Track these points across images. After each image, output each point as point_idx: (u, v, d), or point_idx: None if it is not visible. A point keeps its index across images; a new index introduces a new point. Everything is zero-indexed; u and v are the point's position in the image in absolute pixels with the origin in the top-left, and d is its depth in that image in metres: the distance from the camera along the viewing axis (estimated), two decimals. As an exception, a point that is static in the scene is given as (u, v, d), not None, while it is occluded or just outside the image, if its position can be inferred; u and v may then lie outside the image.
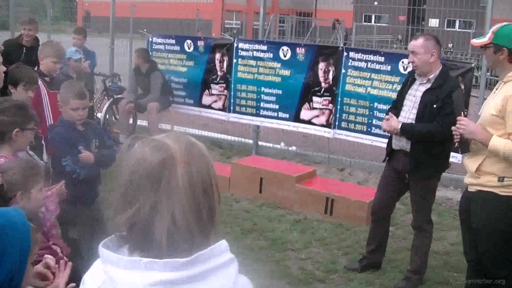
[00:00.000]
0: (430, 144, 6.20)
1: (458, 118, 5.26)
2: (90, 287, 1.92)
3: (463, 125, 5.17)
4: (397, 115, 6.43)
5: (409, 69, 7.28)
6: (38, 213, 4.09)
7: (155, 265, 1.75)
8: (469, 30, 25.75)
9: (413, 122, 6.28)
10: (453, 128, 5.29)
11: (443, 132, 5.88)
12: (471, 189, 5.37)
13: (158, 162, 1.80)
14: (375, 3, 37.08)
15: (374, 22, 41.54)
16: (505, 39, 5.05)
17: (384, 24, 39.10)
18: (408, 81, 6.56)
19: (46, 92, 7.06)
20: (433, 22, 35.61)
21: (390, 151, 6.65)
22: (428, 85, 6.25)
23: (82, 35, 11.33)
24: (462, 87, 8.91)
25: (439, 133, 6.01)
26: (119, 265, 1.79)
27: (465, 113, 7.26)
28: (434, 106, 6.12)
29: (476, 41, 5.32)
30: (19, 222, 2.76)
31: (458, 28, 33.43)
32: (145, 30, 13.62)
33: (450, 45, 26.36)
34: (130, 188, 1.83)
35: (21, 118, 4.71)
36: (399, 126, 6.26)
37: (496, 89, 5.28)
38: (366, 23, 41.37)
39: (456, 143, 5.38)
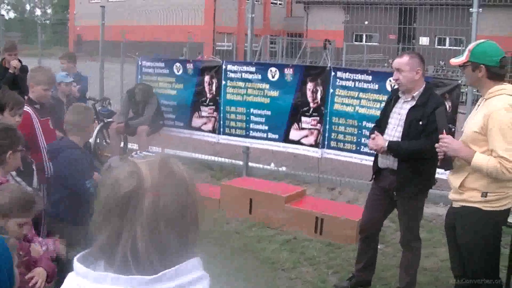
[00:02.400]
0: (416, 161, 6.22)
1: (441, 136, 5.30)
2: None
3: (446, 142, 5.21)
4: (382, 133, 6.44)
5: (395, 87, 7.32)
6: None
7: (120, 281, 1.79)
8: (459, 48, 25.87)
9: (399, 140, 6.30)
10: (436, 145, 5.33)
11: (430, 149, 5.89)
12: (456, 205, 5.41)
13: (128, 191, 1.84)
14: (366, 22, 37.20)
15: (365, 41, 41.73)
16: (481, 57, 5.10)
17: (375, 43, 39.26)
18: (392, 99, 6.59)
19: (37, 119, 7.01)
20: (424, 40, 35.74)
21: (377, 170, 6.68)
22: (413, 103, 6.27)
23: (72, 61, 11.35)
24: (449, 104, 8.99)
25: (426, 150, 6.00)
26: (88, 278, 1.85)
27: (452, 130, 7.33)
28: (420, 123, 6.14)
29: (454, 61, 5.36)
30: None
31: (449, 46, 33.60)
32: (137, 54, 13.64)
33: (441, 63, 26.45)
34: (103, 210, 1.88)
35: (12, 140, 4.75)
36: (386, 144, 6.30)
37: (478, 106, 5.33)
38: (357, 43, 41.55)
39: (440, 160, 5.42)
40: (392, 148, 6.28)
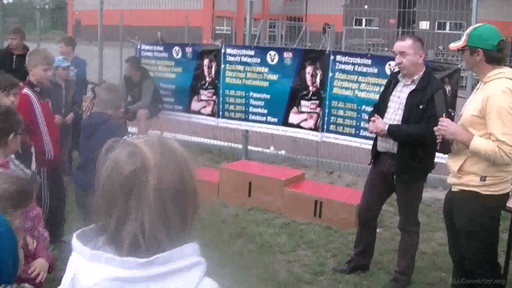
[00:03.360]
0: (416, 146, 6.21)
1: (440, 119, 5.29)
2: (67, 273, 1.97)
3: (444, 126, 5.20)
4: (381, 117, 6.43)
5: (395, 70, 7.29)
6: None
7: (114, 262, 1.80)
8: (459, 32, 25.80)
9: (399, 123, 6.31)
10: (434, 129, 5.32)
11: (429, 133, 5.88)
12: (454, 189, 5.40)
13: (131, 171, 1.84)
14: (365, 6, 37.09)
15: (365, 26, 41.63)
16: (479, 40, 5.09)
17: (375, 28, 39.17)
18: (391, 83, 6.57)
19: (38, 103, 7.01)
20: (424, 25, 35.64)
21: (376, 154, 6.68)
22: (413, 87, 6.26)
23: (70, 44, 11.34)
24: (449, 88, 8.97)
25: (425, 134, 5.97)
26: (83, 256, 1.86)
27: (452, 114, 7.32)
28: (420, 107, 6.13)
29: (452, 45, 5.34)
30: (2, 223, 2.89)
31: (449, 30, 33.52)
32: (136, 37, 13.61)
33: (441, 47, 26.39)
34: (105, 191, 1.88)
35: (13, 123, 4.75)
36: (386, 128, 6.29)
37: (477, 89, 5.32)
38: (356, 27, 41.43)
39: (438, 144, 5.41)
40: (392, 132, 6.26)
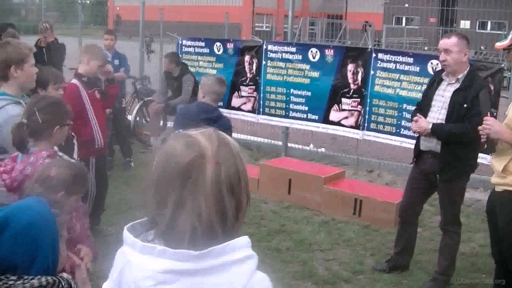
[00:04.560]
0: (459, 145, 6.16)
1: (485, 118, 5.25)
2: (117, 264, 2.00)
3: (489, 125, 5.16)
4: (424, 116, 6.38)
5: (438, 69, 7.23)
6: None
7: (167, 254, 1.81)
8: (501, 32, 25.50)
9: (443, 122, 6.26)
10: (479, 128, 5.27)
11: (472, 132, 5.85)
12: (498, 189, 5.36)
13: (189, 160, 1.85)
14: (406, 5, 36.91)
15: (405, 24, 41.36)
16: None
17: (415, 26, 38.89)
18: (434, 82, 6.52)
19: (85, 92, 7.20)
20: (465, 24, 35.29)
21: (418, 153, 6.64)
22: (457, 85, 6.20)
23: (113, 36, 11.46)
24: (492, 87, 8.87)
25: (468, 133, 5.95)
26: (134, 248, 1.88)
27: (495, 114, 7.24)
28: (464, 106, 6.07)
29: (498, 44, 5.31)
30: (45, 213, 2.90)
31: (490, 30, 33.16)
32: (176, 33, 13.65)
33: (482, 47, 26.10)
34: (160, 182, 1.89)
35: (60, 114, 4.79)
36: (429, 127, 6.25)
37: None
38: (396, 26, 41.19)
39: (482, 143, 5.36)
40: (436, 131, 6.22)
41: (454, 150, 6.19)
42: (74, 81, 7.25)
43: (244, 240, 1.87)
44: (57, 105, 4.83)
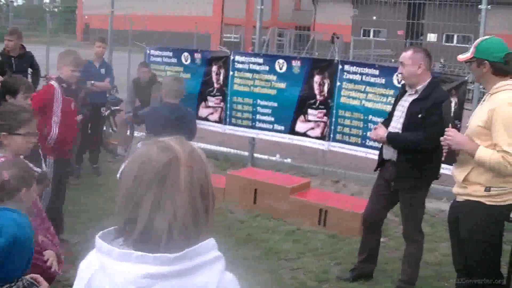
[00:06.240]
0: (415, 154, 6.29)
1: (446, 129, 5.35)
2: (84, 273, 2.05)
3: (451, 135, 5.26)
4: (387, 125, 6.55)
5: (403, 81, 7.39)
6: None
7: (146, 259, 1.87)
8: (467, 45, 25.80)
9: (400, 131, 6.41)
10: (441, 139, 5.37)
11: (426, 142, 6.06)
12: (459, 198, 5.45)
13: (166, 161, 1.94)
14: (374, 17, 37.15)
15: (373, 36, 41.68)
16: (485, 53, 5.16)
17: (382, 39, 39.21)
18: (400, 93, 6.68)
19: (60, 94, 7.27)
20: (432, 37, 35.68)
21: (381, 161, 6.75)
22: (415, 96, 6.36)
23: (105, 44, 11.53)
24: (456, 100, 9.01)
25: (422, 143, 6.15)
26: (111, 256, 1.93)
27: (458, 125, 7.37)
28: (419, 116, 6.22)
29: (461, 57, 5.43)
30: (28, 227, 2.99)
31: (456, 43, 33.57)
32: (144, 43, 13.68)
33: (442, 61, 26.40)
34: (136, 184, 1.95)
35: (8, 122, 4.81)
36: (385, 135, 6.39)
37: (483, 101, 5.38)
38: (364, 37, 41.48)
39: (444, 154, 5.47)
40: (391, 139, 6.42)
41: (410, 159, 6.34)
42: (53, 82, 7.42)
43: (212, 242, 1.96)
44: (7, 114, 4.86)
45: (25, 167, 4.17)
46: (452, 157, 5.44)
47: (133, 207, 1.94)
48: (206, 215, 1.99)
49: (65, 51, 8.08)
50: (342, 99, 10.48)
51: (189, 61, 12.27)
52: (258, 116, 11.52)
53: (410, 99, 6.40)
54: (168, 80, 8.69)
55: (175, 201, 1.91)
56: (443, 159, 5.67)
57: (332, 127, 10.65)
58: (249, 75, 11.55)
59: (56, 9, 77.19)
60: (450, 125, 5.41)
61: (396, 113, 6.57)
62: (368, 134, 7.18)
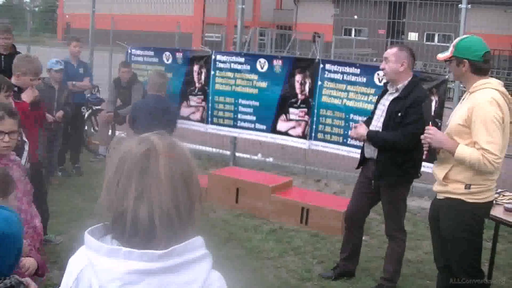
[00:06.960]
0: (395, 152, 6.34)
1: (427, 127, 5.38)
2: (73, 269, 2.06)
3: (431, 134, 5.29)
4: (369, 124, 6.59)
5: (384, 80, 7.43)
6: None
7: (133, 255, 1.89)
8: (447, 44, 25.83)
9: (380, 130, 6.45)
10: (421, 137, 5.40)
11: (404, 141, 6.12)
12: (440, 196, 5.48)
13: (143, 151, 1.96)
14: (355, 16, 37.22)
15: (354, 36, 41.74)
16: (465, 52, 5.20)
17: (364, 38, 39.29)
18: (382, 92, 6.73)
19: (12, 102, 7.09)
20: (413, 36, 35.79)
21: (363, 159, 6.79)
22: (396, 95, 6.41)
23: (81, 44, 11.54)
24: (436, 98, 9.07)
25: (400, 141, 6.20)
26: (99, 252, 1.94)
27: (439, 124, 7.41)
28: (399, 115, 6.26)
29: (440, 56, 5.46)
30: (17, 223, 2.99)
31: (438, 42, 33.70)
32: (125, 42, 13.62)
33: (420, 62, 26.46)
34: (118, 177, 1.97)
35: None
36: (365, 133, 6.44)
37: (463, 99, 5.42)
38: (346, 37, 41.54)
39: (425, 152, 5.50)
40: (371, 137, 6.47)
41: (389, 157, 6.38)
42: None
43: (200, 240, 1.99)
44: None
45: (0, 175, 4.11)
46: (433, 156, 5.48)
47: (118, 200, 1.96)
48: (191, 207, 2.01)
49: (23, 57, 7.82)
50: (323, 98, 10.51)
51: (170, 60, 12.26)
52: (239, 116, 11.53)
53: (391, 98, 6.45)
54: (152, 74, 9.89)
55: (157, 190, 1.92)
56: (424, 157, 5.70)
57: (314, 126, 10.67)
58: (230, 74, 11.56)
59: (36, 8, 76.74)
60: (430, 123, 5.44)
61: (377, 111, 6.61)
62: (349, 132, 7.21)
